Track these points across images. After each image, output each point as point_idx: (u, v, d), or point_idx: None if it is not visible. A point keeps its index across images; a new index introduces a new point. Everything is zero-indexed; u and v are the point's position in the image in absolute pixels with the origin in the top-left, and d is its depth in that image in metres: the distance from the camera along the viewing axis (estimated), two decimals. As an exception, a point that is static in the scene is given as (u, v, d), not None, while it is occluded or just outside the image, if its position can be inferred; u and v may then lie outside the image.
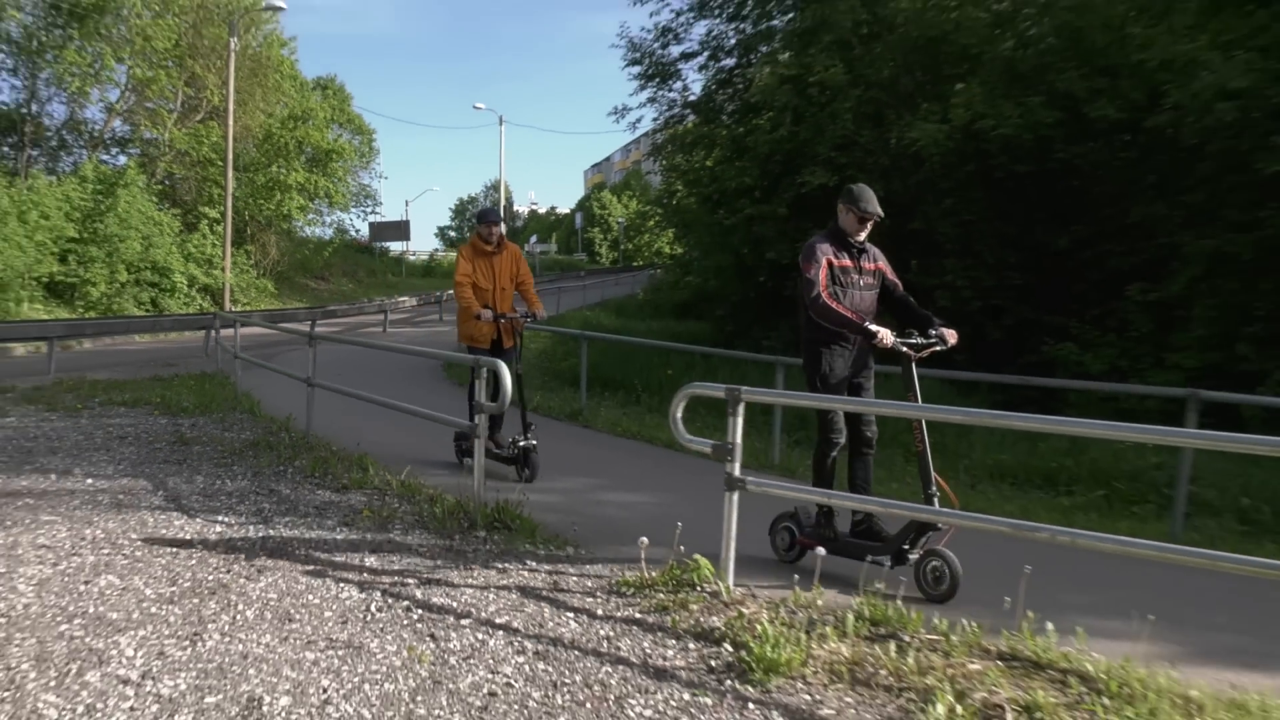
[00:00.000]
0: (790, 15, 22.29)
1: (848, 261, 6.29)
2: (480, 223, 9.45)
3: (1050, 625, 4.77)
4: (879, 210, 6.28)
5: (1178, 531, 8.23)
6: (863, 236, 6.33)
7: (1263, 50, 13.93)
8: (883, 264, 6.47)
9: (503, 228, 9.57)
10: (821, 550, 5.82)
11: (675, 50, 23.74)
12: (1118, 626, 5.14)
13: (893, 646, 4.66)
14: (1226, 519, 8.91)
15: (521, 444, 8.68)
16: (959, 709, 4.04)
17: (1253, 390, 11.99)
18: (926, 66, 19.35)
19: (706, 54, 23.36)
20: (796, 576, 5.56)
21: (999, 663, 4.58)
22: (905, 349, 5.97)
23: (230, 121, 32.59)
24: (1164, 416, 10.29)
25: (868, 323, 5.98)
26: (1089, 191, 17.08)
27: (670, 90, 24.09)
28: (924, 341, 6.07)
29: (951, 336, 6.12)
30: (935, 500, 5.80)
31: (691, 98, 24.05)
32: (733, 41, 23.23)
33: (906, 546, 5.87)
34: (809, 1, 20.80)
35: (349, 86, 55.87)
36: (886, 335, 5.93)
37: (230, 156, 33.00)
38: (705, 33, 23.40)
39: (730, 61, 23.52)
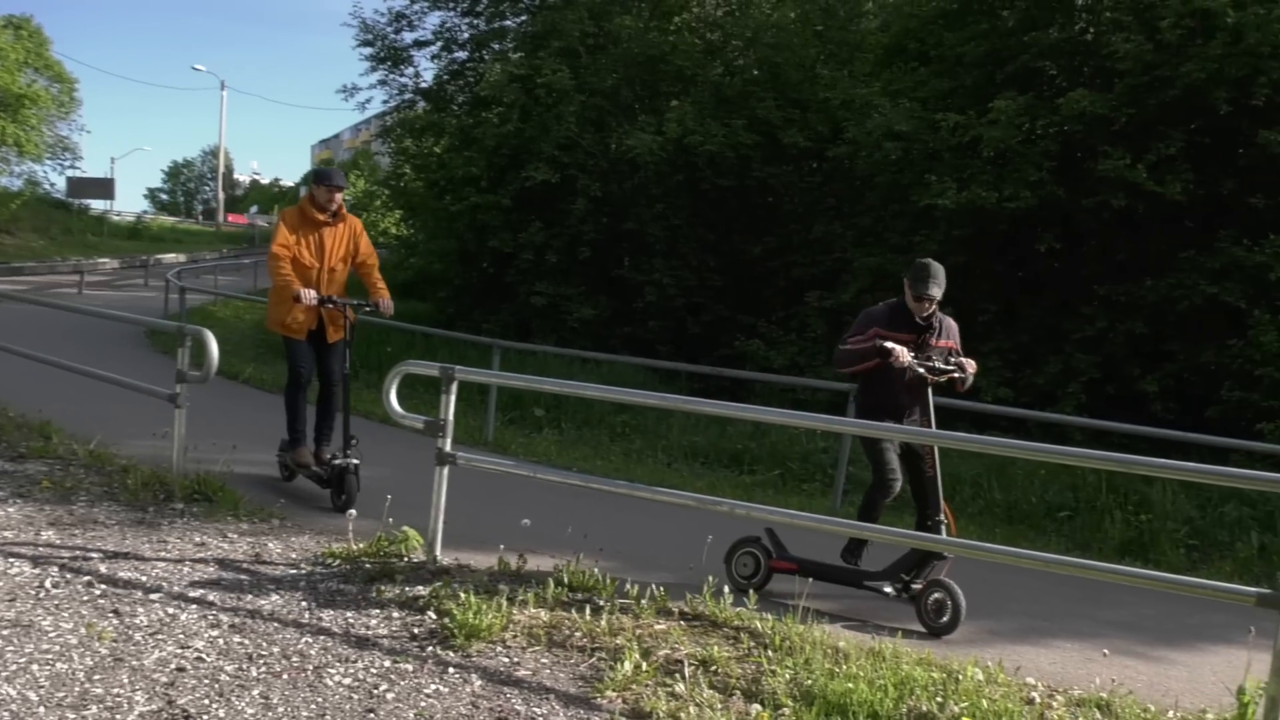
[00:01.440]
0: (522, 18, 22.25)
1: (906, 336, 5.57)
2: (318, 184, 7.02)
3: (726, 588, 4.98)
4: (933, 293, 5.52)
5: (837, 506, 8.87)
6: (926, 315, 5.64)
7: (923, 101, 15.29)
8: (953, 342, 5.78)
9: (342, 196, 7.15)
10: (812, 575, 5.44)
11: (409, 37, 23.08)
12: (787, 588, 5.44)
13: (588, 610, 4.72)
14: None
15: (337, 462, 6.63)
16: (644, 665, 4.15)
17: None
18: (645, 82, 19.82)
19: (440, 44, 22.86)
20: (502, 547, 5.53)
21: (682, 623, 4.74)
22: (921, 370, 5.48)
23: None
24: (831, 407, 11.04)
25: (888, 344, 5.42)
26: (780, 208, 18.11)
27: (402, 75, 23.41)
28: (942, 366, 5.56)
29: (970, 366, 5.65)
30: (943, 529, 5.46)
31: (423, 84, 23.49)
32: (466, 36, 22.89)
33: (906, 576, 5.43)
34: (541, 7, 20.86)
35: (49, 30, 49.69)
36: (902, 353, 5.36)
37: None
38: (439, 23, 22.88)
39: (463, 55, 23.16)
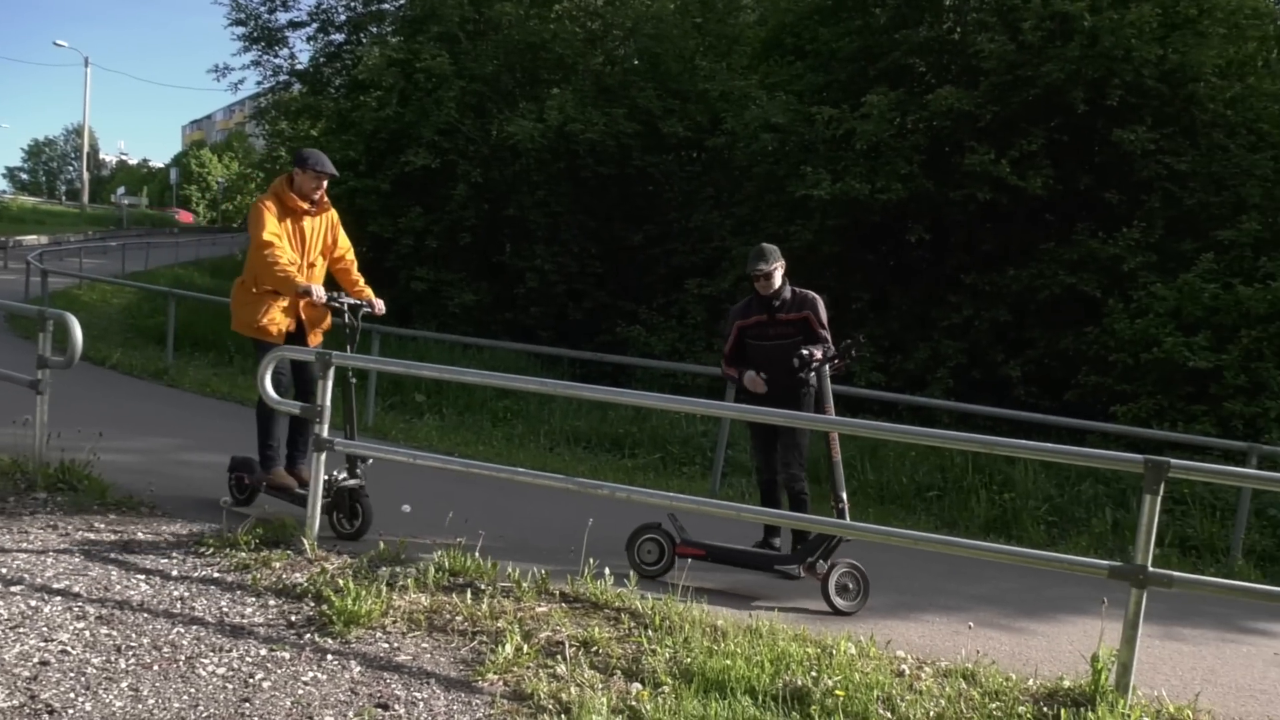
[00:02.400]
0: (401, 1, 21.84)
1: (760, 317, 5.92)
2: (303, 169, 5.91)
3: (608, 570, 5.00)
4: (760, 268, 5.79)
5: (716, 489, 8.98)
6: (770, 293, 5.87)
7: (799, 94, 15.60)
8: (809, 313, 5.89)
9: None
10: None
11: (283, 17, 22.49)
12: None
13: (469, 594, 4.67)
14: (754, 478, 9.82)
15: (347, 484, 5.70)
16: (526, 648, 4.14)
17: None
18: (526, 68, 19.70)
19: (316, 25, 22.32)
20: (382, 533, 5.44)
21: (564, 605, 4.73)
22: (764, 383, 5.77)
23: None
24: (710, 392, 11.20)
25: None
26: (660, 196, 18.24)
27: (277, 56, 22.80)
28: (810, 362, 5.64)
29: (818, 353, 5.61)
30: (845, 514, 5.50)
31: (299, 66, 22.92)
32: (343, 18, 22.41)
33: (811, 559, 5.45)
34: (420, -9, 20.52)
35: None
36: (754, 383, 5.75)
37: None
38: (315, 4, 22.33)
39: (340, 37, 22.67)
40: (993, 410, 10.23)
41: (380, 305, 6.09)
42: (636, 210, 18.29)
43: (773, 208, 15.87)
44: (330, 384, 5.35)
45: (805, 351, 5.55)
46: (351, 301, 5.94)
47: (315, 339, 6.09)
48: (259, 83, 23.44)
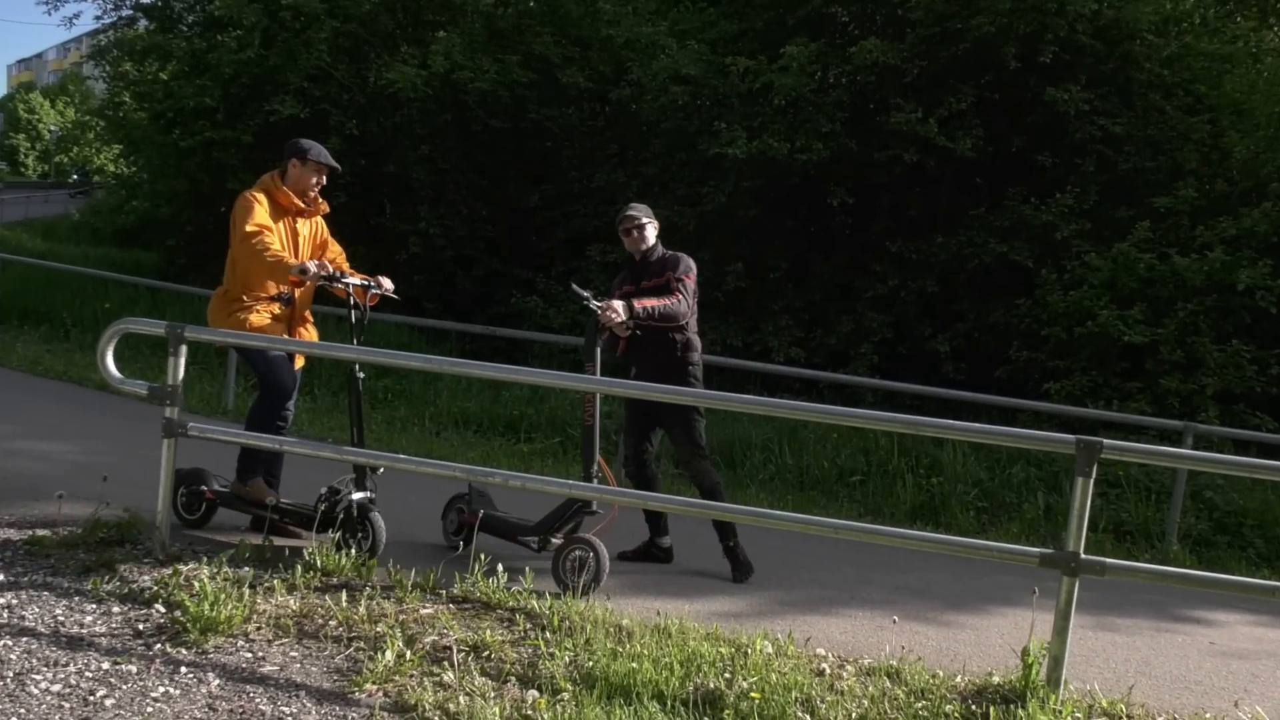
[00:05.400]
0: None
1: (629, 287, 6.05)
2: (302, 160, 5.63)
3: (500, 567, 4.97)
4: (628, 214, 6.07)
5: (621, 475, 8.95)
6: (638, 250, 6.07)
7: (711, 44, 15.63)
8: (671, 273, 5.96)
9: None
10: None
11: (127, -59, 21.62)
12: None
13: (344, 596, 4.61)
14: (664, 463, 9.83)
15: (356, 497, 5.37)
16: (409, 654, 4.10)
17: (705, 350, 13.42)
18: (408, 9, 19.31)
19: (165, -49, 21.52)
20: (244, 528, 5.31)
21: (451, 606, 4.72)
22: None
23: None
24: (617, 369, 11.12)
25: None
26: (559, 154, 18.08)
27: (119, -14, 21.91)
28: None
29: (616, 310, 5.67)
30: (596, 481, 5.50)
31: (145, 1, 22.06)
32: (197, -57, 21.62)
33: (545, 531, 5.50)
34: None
35: None
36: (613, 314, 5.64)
37: None
38: (164, -75, 21.53)
39: (193, -35, 21.86)
40: (920, 388, 10.44)
41: (389, 284, 5.75)
42: (533, 169, 18.11)
43: (683, 167, 15.88)
44: (183, 360, 5.19)
45: (575, 286, 5.81)
46: (356, 281, 5.56)
47: (306, 338, 5.84)
48: (98, 18, 22.62)
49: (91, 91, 49.78)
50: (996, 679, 4.44)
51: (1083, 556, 4.27)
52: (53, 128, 70.97)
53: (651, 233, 6.03)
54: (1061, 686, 4.29)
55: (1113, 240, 12.71)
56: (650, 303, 5.67)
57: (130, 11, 22.02)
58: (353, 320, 5.54)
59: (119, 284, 14.85)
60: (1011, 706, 4.15)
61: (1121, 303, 12.03)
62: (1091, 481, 4.23)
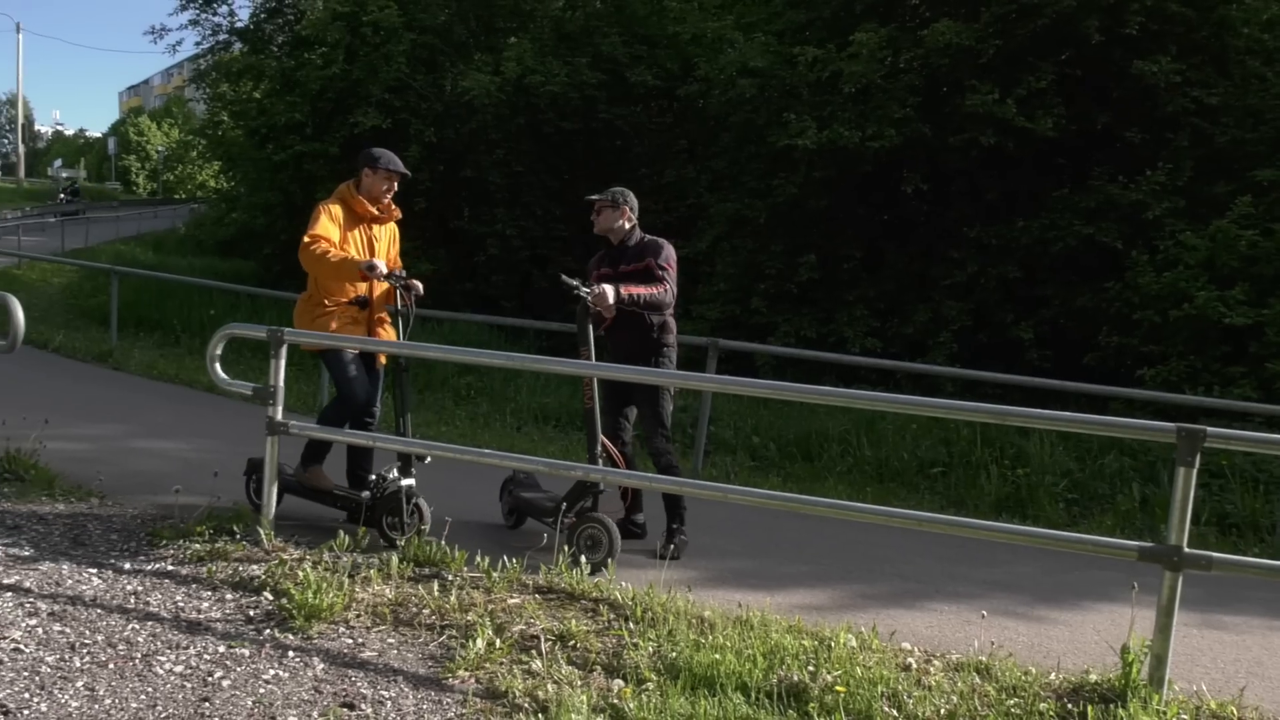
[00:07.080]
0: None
1: (607, 270, 6.11)
2: (373, 169, 5.86)
3: (584, 559, 5.06)
4: (595, 199, 6.22)
5: (699, 467, 9.03)
6: (604, 231, 6.17)
7: (779, 35, 15.52)
8: (651, 259, 5.99)
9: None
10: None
11: (222, -31, 22.31)
12: (645, 559, 5.61)
13: (436, 586, 4.74)
14: (741, 455, 9.87)
15: (405, 483, 5.59)
16: (498, 642, 4.18)
17: (764, 340, 13.39)
18: (480, 17, 19.61)
19: (255, -23, 22.15)
20: (342, 520, 5.50)
21: (537, 596, 4.79)
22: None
23: None
24: (689, 363, 11.19)
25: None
26: (629, 151, 18.21)
27: (216, 14, 22.67)
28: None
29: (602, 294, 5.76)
30: (600, 462, 5.55)
31: (239, 24, 22.77)
32: (284, -31, 22.22)
33: (563, 514, 5.52)
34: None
35: None
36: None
37: None
38: (255, -43, 22.19)
39: (281, -9, 22.48)
40: (1003, 377, 10.02)
41: (419, 286, 5.90)
42: (604, 167, 18.21)
43: (752, 160, 15.82)
44: (283, 362, 5.40)
45: (564, 277, 5.74)
46: (414, 285, 5.82)
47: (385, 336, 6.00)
48: (197, 43, 23.42)
49: (193, 112, 51.17)
50: (1094, 677, 4.23)
51: (1186, 550, 4.02)
52: (159, 148, 73.12)
53: (615, 218, 6.06)
54: (1165, 686, 4.06)
55: (1209, 217, 12.12)
56: (638, 290, 5.72)
57: (226, 36, 22.78)
58: (400, 317, 5.80)
59: (222, 292, 15.34)
60: (1111, 706, 3.96)
61: (1221, 283, 11.46)
62: (1195, 472, 3.98)
